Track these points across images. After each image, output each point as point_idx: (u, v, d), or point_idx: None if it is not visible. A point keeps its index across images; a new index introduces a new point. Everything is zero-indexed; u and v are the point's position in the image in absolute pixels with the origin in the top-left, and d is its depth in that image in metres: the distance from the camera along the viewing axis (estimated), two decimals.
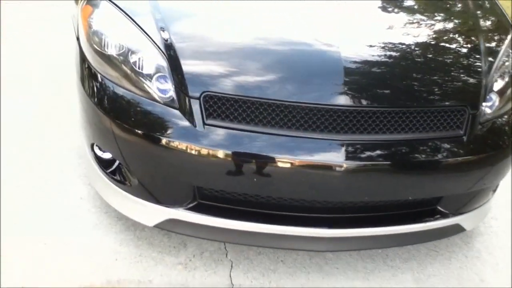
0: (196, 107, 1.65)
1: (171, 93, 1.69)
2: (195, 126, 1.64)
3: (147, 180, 1.81)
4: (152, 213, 1.85)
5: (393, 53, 1.88)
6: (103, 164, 1.94)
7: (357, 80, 1.72)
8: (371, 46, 1.86)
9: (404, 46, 1.93)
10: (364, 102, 1.68)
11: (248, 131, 1.64)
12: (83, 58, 1.90)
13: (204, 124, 1.64)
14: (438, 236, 2.07)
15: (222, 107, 1.65)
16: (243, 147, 1.63)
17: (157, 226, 1.88)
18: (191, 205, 1.80)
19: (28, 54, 3.45)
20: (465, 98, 1.81)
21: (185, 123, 1.65)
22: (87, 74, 1.87)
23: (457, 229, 2.02)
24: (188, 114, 1.66)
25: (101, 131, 1.81)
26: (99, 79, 1.80)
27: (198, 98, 1.65)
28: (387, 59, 1.83)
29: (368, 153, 1.66)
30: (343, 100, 1.65)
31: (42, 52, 3.47)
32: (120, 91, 1.75)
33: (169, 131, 1.66)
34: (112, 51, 1.77)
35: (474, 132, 1.79)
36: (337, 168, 1.62)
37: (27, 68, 3.26)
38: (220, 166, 1.66)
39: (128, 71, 1.74)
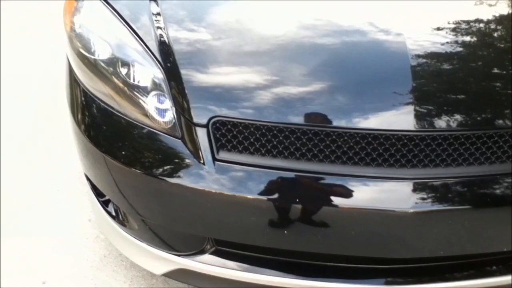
0: (203, 137, 1.24)
1: (171, 116, 1.28)
2: (203, 163, 1.23)
3: (149, 225, 1.44)
4: (158, 260, 1.49)
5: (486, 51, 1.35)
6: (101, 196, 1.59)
7: (433, 89, 1.24)
8: (452, 36, 1.35)
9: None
10: (442, 124, 1.20)
11: (276, 168, 1.22)
12: (69, 67, 1.52)
13: (215, 159, 1.23)
14: None
15: (238, 136, 1.23)
16: (268, 191, 1.21)
17: (166, 275, 1.52)
18: (205, 253, 1.42)
19: (28, 53, 3.14)
20: None
21: (190, 158, 1.25)
22: (72, 88, 1.49)
23: None
24: (193, 146, 1.25)
25: (92, 165, 1.44)
26: (85, 95, 1.42)
27: (206, 126, 1.23)
28: (477, 60, 1.32)
29: (449, 194, 1.21)
30: (411, 122, 1.18)
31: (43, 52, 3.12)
32: (108, 113, 1.36)
33: (168, 170, 1.27)
34: (100, 56, 1.37)
35: None
36: (402, 215, 1.17)
37: (27, 69, 2.96)
38: (236, 215, 1.26)
39: (120, 84, 1.34)
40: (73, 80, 1.48)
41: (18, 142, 2.36)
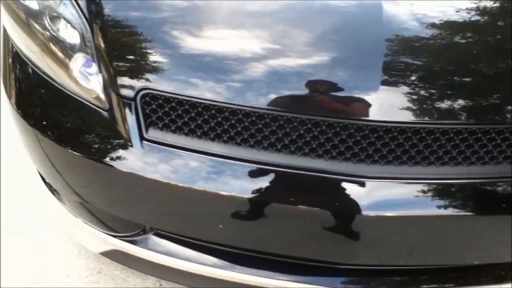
0: (130, 111, 1.06)
1: (97, 84, 1.10)
2: (129, 142, 1.06)
3: (84, 204, 1.30)
4: (95, 239, 1.36)
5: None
6: None
7: (407, 66, 1.02)
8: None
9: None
10: (419, 115, 0.99)
11: (213, 154, 1.04)
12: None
13: (142, 138, 1.06)
14: None
15: (171, 113, 1.05)
16: (202, 179, 1.04)
17: (103, 254, 1.40)
18: (143, 237, 1.28)
19: None
20: None
21: (116, 135, 1.08)
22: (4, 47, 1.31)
23: None
24: (121, 120, 1.07)
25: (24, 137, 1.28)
26: (14, 55, 1.25)
27: (133, 99, 1.05)
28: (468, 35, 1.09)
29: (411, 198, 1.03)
30: (374, 110, 0.98)
31: None
32: (36, 77, 1.18)
33: (93, 147, 1.10)
34: (28, 3, 1.18)
35: None
36: (356, 217, 1.00)
37: None
38: (166, 203, 1.11)
39: (46, 37, 1.15)
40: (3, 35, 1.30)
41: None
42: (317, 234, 1.06)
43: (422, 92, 1.00)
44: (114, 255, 1.36)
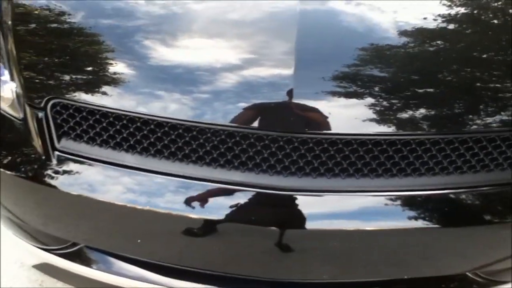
0: (41, 121, 1.01)
1: (9, 92, 1.05)
2: (41, 153, 1.02)
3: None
4: (27, 252, 1.31)
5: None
6: None
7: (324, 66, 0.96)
8: None
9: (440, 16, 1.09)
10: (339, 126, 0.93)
11: (125, 166, 0.99)
12: None
13: (54, 149, 1.02)
14: None
15: (83, 124, 1.00)
16: (116, 192, 1.00)
17: (36, 268, 1.35)
18: (70, 249, 1.23)
19: None
20: None
21: (30, 145, 1.03)
22: None
23: None
24: (34, 130, 1.03)
25: None
26: None
27: (44, 108, 1.01)
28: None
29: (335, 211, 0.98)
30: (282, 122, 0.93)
31: None
32: None
33: (8, 157, 1.05)
34: None
35: None
36: (273, 233, 0.95)
37: None
38: (81, 216, 1.06)
39: None
40: None
41: None
42: (255, 251, 1.01)
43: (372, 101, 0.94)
44: (44, 268, 1.31)
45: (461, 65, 0.99)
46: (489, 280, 1.22)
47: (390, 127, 0.93)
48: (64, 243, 1.23)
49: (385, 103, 0.94)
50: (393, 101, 0.95)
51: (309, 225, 0.94)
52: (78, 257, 1.22)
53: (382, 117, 0.94)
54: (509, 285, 1.25)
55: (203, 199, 0.96)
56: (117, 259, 1.19)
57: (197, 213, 0.96)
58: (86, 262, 1.21)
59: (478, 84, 0.99)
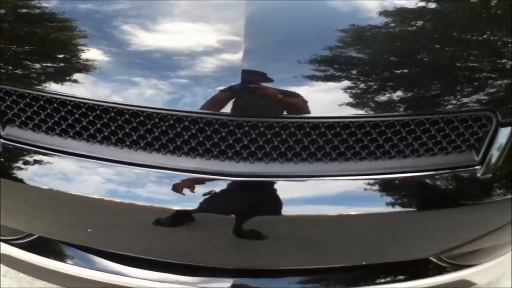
0: None
1: None
2: None
3: None
4: None
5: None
6: None
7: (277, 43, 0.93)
8: None
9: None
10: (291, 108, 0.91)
11: (74, 154, 0.97)
12: None
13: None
14: None
15: (27, 110, 0.97)
16: (64, 180, 0.97)
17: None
18: (26, 239, 1.21)
19: None
20: (494, 99, 0.98)
21: None
22: None
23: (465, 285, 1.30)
24: None
25: None
26: None
27: None
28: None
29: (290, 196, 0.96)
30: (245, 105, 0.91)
31: None
32: None
33: None
34: None
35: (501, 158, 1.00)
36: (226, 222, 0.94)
37: None
38: (29, 206, 1.04)
39: None
40: None
41: None
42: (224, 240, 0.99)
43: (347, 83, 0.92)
44: (6, 261, 1.28)
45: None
46: (452, 264, 1.23)
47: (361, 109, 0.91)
48: (20, 233, 1.21)
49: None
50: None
51: (286, 211, 0.93)
52: (32, 247, 1.20)
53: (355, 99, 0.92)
54: (473, 269, 1.25)
55: (179, 188, 0.94)
56: (76, 249, 1.18)
57: (165, 203, 0.94)
58: (43, 253, 1.19)
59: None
